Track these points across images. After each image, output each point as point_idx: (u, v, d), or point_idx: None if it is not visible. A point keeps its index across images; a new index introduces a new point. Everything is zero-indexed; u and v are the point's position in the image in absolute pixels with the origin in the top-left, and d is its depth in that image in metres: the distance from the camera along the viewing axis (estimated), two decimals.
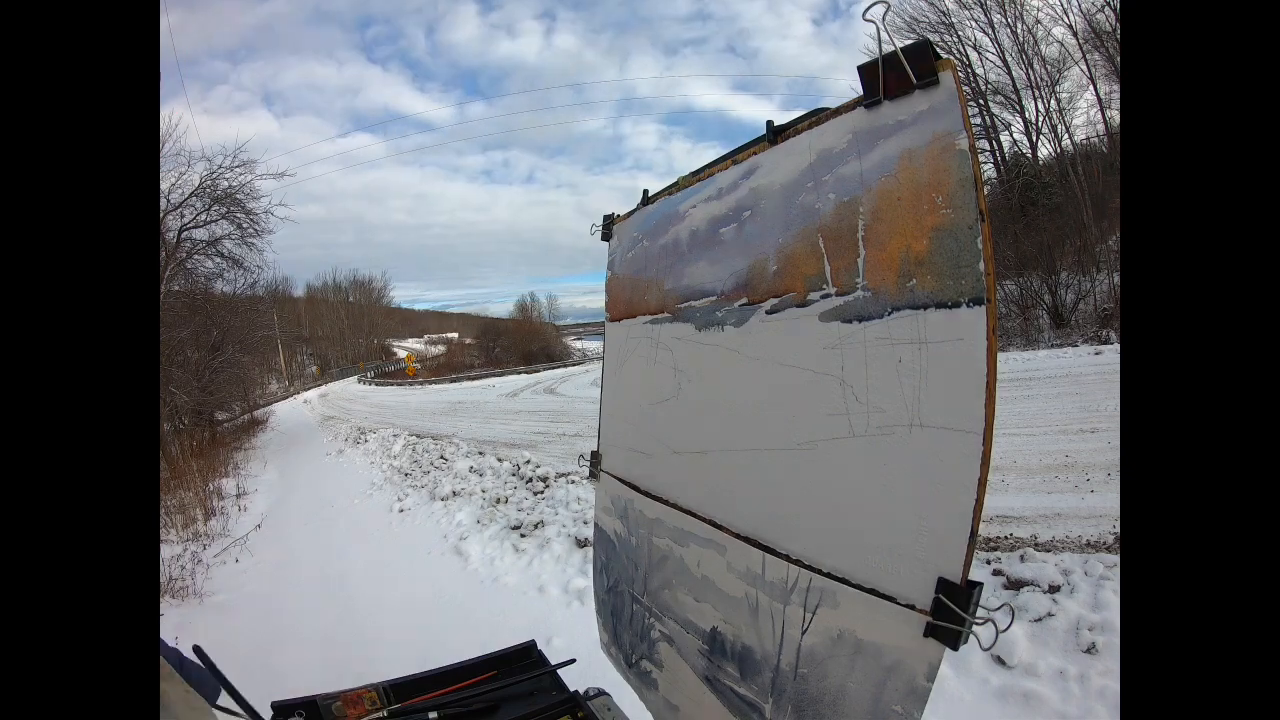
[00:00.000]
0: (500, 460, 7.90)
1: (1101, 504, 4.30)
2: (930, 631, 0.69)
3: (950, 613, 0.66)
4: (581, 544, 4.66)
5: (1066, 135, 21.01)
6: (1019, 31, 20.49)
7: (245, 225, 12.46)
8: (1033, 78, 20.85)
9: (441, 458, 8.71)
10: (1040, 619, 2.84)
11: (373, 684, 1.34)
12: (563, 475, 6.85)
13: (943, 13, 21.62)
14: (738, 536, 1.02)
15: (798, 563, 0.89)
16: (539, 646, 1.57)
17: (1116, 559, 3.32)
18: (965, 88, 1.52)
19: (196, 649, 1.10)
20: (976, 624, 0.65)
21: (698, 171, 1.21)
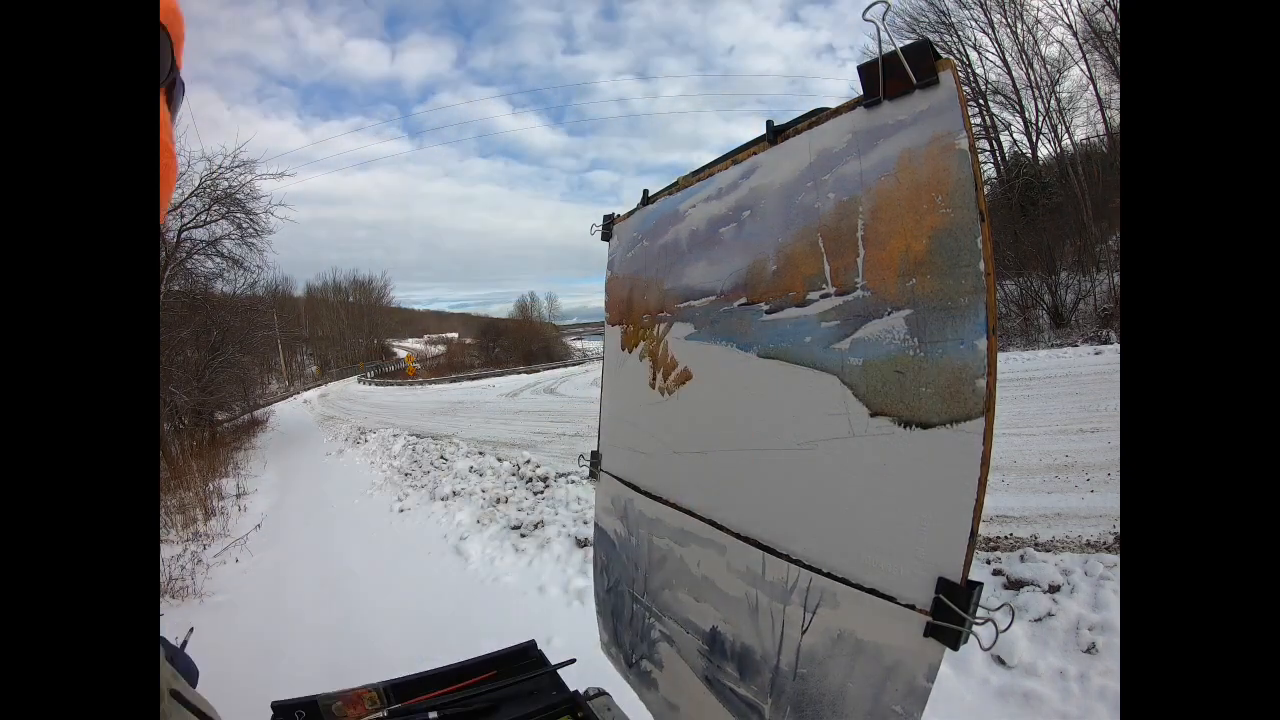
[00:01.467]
0: (500, 460, 7.89)
1: (1101, 504, 4.30)
2: (930, 631, 0.69)
3: (950, 613, 0.66)
4: (581, 544, 4.66)
5: (1066, 135, 21.02)
6: (1019, 31, 20.48)
7: (245, 225, 12.48)
8: (1033, 78, 20.85)
9: (441, 458, 8.70)
10: (1040, 619, 2.84)
11: (373, 684, 1.34)
12: (563, 475, 6.85)
13: (943, 13, 21.63)
14: (738, 536, 1.02)
15: (798, 563, 0.89)
16: (539, 646, 1.56)
17: (1116, 559, 3.31)
18: (965, 88, 1.52)
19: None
20: (976, 624, 0.65)
21: (698, 171, 1.20)
